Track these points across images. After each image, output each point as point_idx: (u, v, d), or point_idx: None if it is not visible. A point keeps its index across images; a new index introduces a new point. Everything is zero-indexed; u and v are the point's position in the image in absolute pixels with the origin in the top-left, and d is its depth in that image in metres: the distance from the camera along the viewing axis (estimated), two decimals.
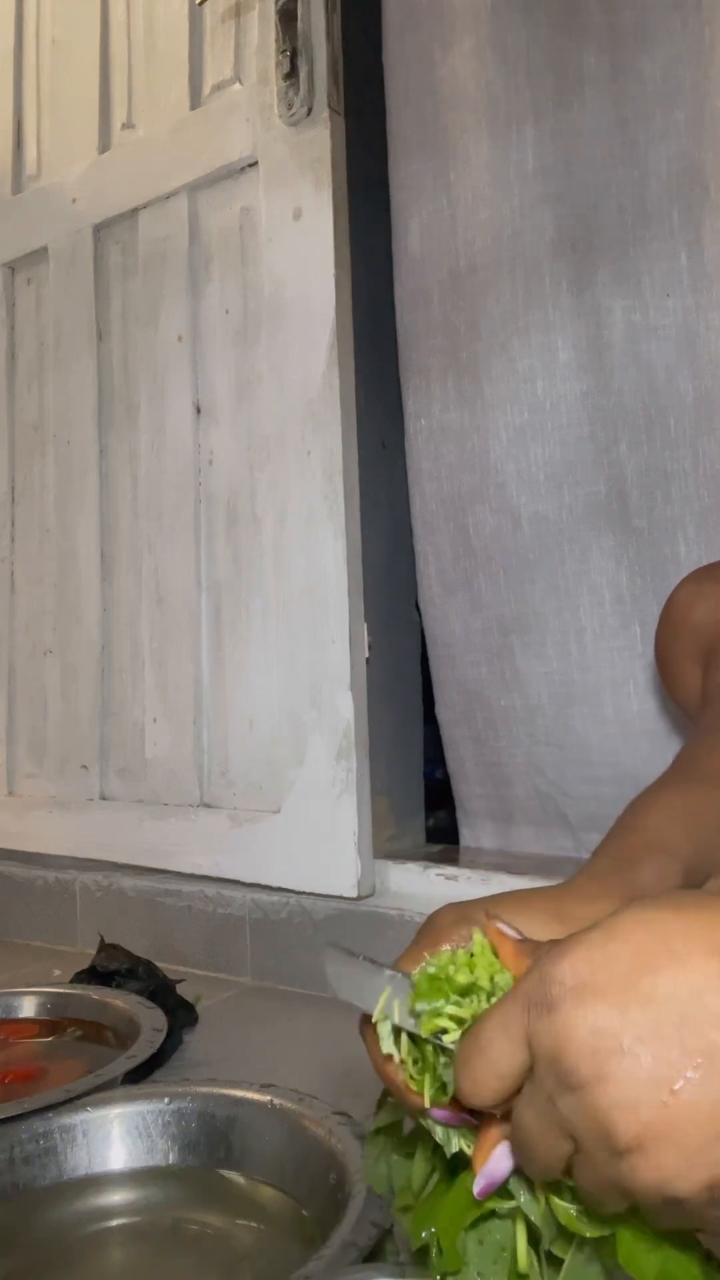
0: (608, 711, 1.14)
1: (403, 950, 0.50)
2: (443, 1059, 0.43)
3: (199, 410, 1.37)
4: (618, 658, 1.13)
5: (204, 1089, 0.78)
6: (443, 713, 1.30)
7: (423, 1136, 0.48)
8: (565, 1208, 0.40)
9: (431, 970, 0.44)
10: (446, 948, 0.48)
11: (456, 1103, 0.42)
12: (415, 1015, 0.44)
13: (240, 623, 1.32)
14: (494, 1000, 0.42)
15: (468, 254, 1.19)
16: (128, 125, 1.47)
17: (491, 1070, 0.38)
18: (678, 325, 1.05)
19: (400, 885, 1.20)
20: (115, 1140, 0.76)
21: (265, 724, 1.28)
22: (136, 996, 1.03)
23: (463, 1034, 0.41)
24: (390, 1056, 0.46)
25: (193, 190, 1.37)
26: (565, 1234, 0.41)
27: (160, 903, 1.34)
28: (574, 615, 1.15)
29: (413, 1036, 0.45)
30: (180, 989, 1.11)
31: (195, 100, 1.37)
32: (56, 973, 1.26)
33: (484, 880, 1.14)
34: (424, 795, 1.38)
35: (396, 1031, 0.45)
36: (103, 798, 1.45)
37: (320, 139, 1.22)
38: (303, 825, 1.21)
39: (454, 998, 0.43)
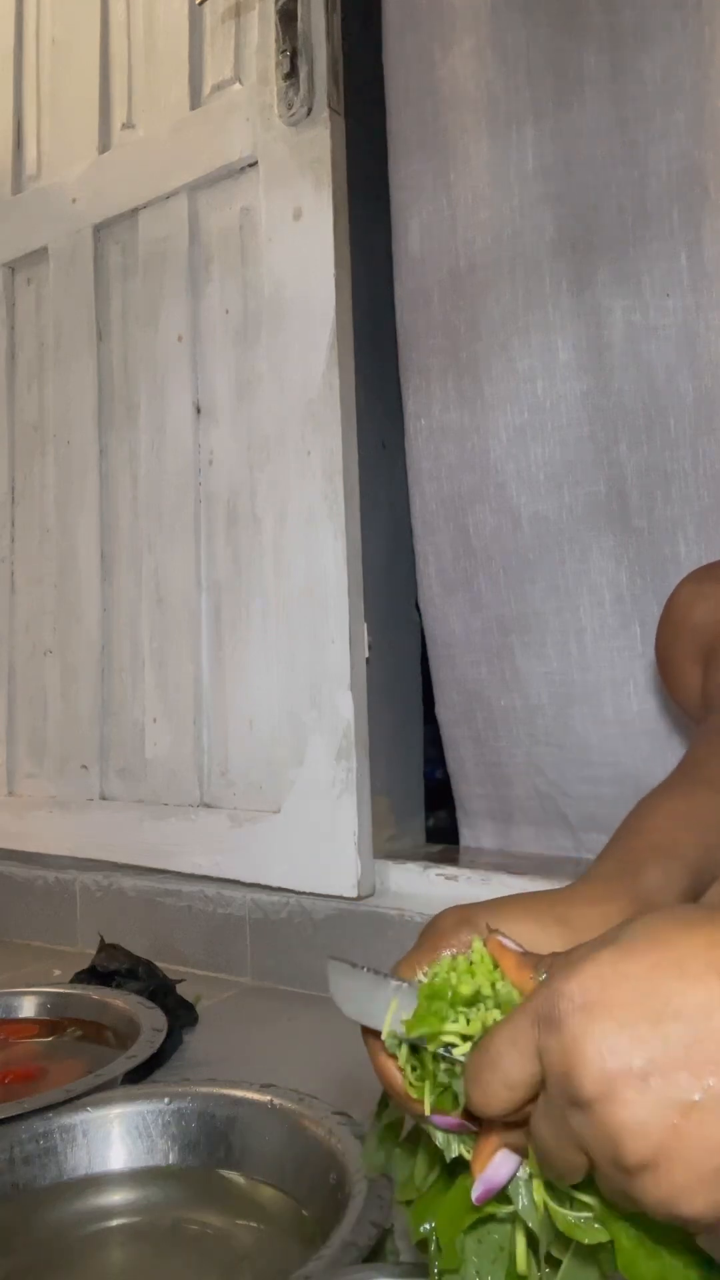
0: (608, 711, 1.14)
1: (404, 952, 0.50)
2: (442, 1065, 0.43)
3: (199, 410, 1.37)
4: (618, 658, 1.13)
5: (204, 1089, 0.78)
6: (443, 713, 1.29)
7: (424, 1134, 0.48)
8: (563, 1214, 0.40)
9: (436, 981, 0.44)
10: (447, 953, 0.48)
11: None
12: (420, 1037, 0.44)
13: (240, 623, 1.32)
14: (499, 1009, 0.42)
15: (468, 254, 1.19)
16: (128, 125, 1.47)
17: (502, 1082, 0.38)
18: (678, 325, 1.05)
19: (400, 885, 1.20)
20: (115, 1140, 0.76)
21: (265, 724, 1.28)
22: (136, 996, 1.03)
23: (472, 1046, 0.41)
24: (392, 1059, 0.46)
25: (193, 190, 1.37)
26: (563, 1239, 0.41)
27: (160, 903, 1.34)
28: (574, 615, 1.15)
29: (414, 1045, 0.45)
30: (180, 989, 1.11)
31: (195, 100, 1.37)
32: (56, 973, 1.26)
33: (484, 880, 1.14)
34: (424, 795, 1.38)
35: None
36: (103, 798, 1.45)
37: (320, 139, 1.22)
38: (303, 825, 1.21)
39: (460, 1009, 0.43)
